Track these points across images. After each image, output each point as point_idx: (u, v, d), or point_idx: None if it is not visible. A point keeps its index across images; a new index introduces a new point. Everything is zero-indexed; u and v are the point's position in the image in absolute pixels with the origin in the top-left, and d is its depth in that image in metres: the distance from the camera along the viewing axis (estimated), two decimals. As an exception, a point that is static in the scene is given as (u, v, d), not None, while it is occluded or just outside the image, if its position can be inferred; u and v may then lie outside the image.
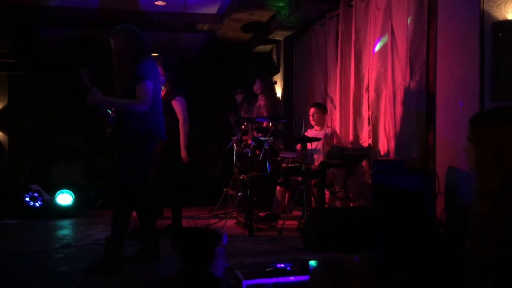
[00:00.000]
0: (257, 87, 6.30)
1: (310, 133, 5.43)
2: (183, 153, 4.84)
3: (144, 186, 3.65)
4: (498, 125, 1.68)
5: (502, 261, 1.51)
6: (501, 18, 3.43)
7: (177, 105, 4.76)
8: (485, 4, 3.52)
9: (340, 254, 3.55)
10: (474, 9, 3.61)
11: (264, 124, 5.70)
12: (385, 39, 4.74)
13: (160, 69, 4.70)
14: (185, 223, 5.35)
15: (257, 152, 5.23)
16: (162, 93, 4.70)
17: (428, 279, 3.23)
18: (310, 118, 5.47)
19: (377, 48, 4.87)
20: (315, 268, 1.56)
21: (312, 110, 5.47)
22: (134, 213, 3.84)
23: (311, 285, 1.51)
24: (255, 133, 5.57)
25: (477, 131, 1.74)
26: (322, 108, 5.47)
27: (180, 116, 4.78)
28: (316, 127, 5.44)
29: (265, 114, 5.89)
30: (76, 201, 6.24)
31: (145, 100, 3.46)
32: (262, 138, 5.03)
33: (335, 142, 5.25)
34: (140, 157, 3.53)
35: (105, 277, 3.30)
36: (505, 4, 3.43)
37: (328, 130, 5.37)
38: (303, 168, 4.74)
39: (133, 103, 3.48)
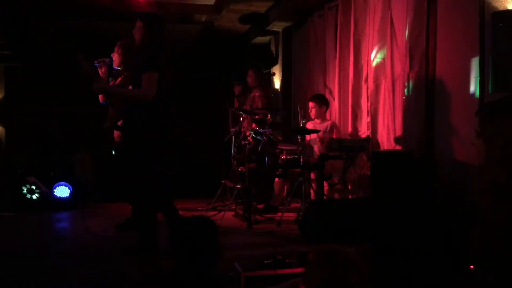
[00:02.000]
0: (251, 80, 6.11)
1: (310, 125, 5.41)
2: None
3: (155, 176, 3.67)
4: (508, 118, 1.66)
5: (505, 253, 1.50)
6: (501, 8, 3.40)
7: None
8: (485, -6, 3.48)
9: (338, 245, 3.54)
10: (474, -1, 3.58)
11: (257, 117, 5.63)
12: (383, 51, 4.70)
13: (119, 54, 4.59)
14: (183, 215, 5.33)
15: (251, 141, 5.18)
16: (119, 80, 4.56)
17: (427, 271, 3.22)
18: (309, 112, 5.44)
19: (374, 63, 4.84)
20: (310, 259, 1.53)
21: (310, 104, 5.44)
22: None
23: (306, 276, 1.50)
24: (254, 126, 5.53)
25: (486, 125, 1.71)
26: (319, 101, 5.43)
27: None
28: (316, 120, 5.42)
29: (260, 105, 5.83)
30: (74, 193, 6.22)
31: (149, 91, 3.41)
32: (260, 130, 4.99)
33: (334, 135, 5.23)
34: (149, 147, 3.51)
35: (102, 270, 3.28)
36: (506, -6, 3.40)
37: (328, 124, 5.34)
38: (301, 160, 4.72)
39: (136, 93, 3.44)
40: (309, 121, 5.49)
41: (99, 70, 4.60)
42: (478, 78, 3.55)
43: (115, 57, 4.58)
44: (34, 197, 6.09)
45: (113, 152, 4.82)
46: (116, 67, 4.63)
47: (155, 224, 3.67)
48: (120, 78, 4.57)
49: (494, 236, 1.54)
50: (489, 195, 1.64)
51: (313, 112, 5.38)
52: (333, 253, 1.48)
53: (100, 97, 4.69)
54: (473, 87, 3.61)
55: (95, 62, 4.56)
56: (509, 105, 1.73)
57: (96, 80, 3.49)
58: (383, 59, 4.72)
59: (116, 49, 4.59)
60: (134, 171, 3.54)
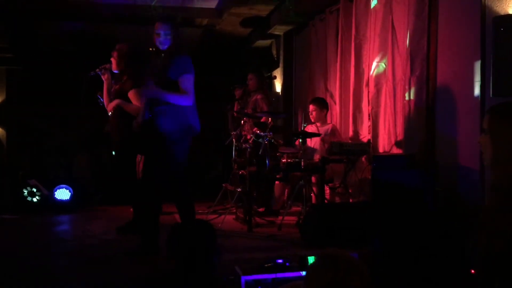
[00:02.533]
0: (252, 83, 6.07)
1: (310, 129, 5.41)
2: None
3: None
4: None
5: (510, 254, 1.49)
6: (502, 13, 3.40)
7: (131, 96, 4.55)
8: (486, -1, 3.49)
9: (340, 249, 3.54)
10: (475, 3, 3.58)
11: (263, 119, 5.66)
12: (384, 55, 4.70)
13: (114, 59, 4.62)
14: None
15: (251, 143, 5.17)
16: (119, 85, 4.60)
17: (428, 275, 3.21)
18: (310, 115, 5.44)
19: (375, 67, 4.84)
20: (312, 263, 1.53)
21: (310, 107, 5.43)
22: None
23: (307, 279, 1.49)
24: (255, 129, 5.53)
25: (494, 123, 1.70)
26: (320, 105, 5.43)
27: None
28: (316, 123, 5.42)
29: (265, 108, 5.82)
30: (75, 196, 6.22)
31: (190, 94, 3.54)
32: (261, 133, 4.99)
33: (335, 138, 5.23)
34: (181, 149, 3.62)
35: (102, 271, 3.28)
36: (507, -2, 3.40)
37: (328, 127, 5.34)
38: (302, 163, 4.72)
39: (180, 96, 3.54)
40: (309, 124, 5.49)
41: (102, 77, 4.63)
42: (479, 82, 3.55)
43: (112, 61, 4.62)
44: (35, 199, 6.09)
45: (113, 153, 4.82)
46: (115, 71, 4.66)
47: (158, 226, 3.67)
48: (120, 83, 4.60)
49: (499, 238, 1.53)
50: (494, 195, 1.63)
51: (314, 115, 5.38)
52: (334, 257, 1.47)
53: (109, 106, 4.67)
54: (474, 91, 3.61)
55: (97, 70, 4.61)
56: None
57: (147, 84, 3.58)
58: (384, 63, 4.73)
59: (113, 53, 4.64)
60: (168, 171, 3.61)
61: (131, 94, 4.49)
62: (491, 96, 3.40)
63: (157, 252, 3.60)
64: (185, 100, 3.56)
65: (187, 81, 3.55)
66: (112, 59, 4.64)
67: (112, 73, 4.68)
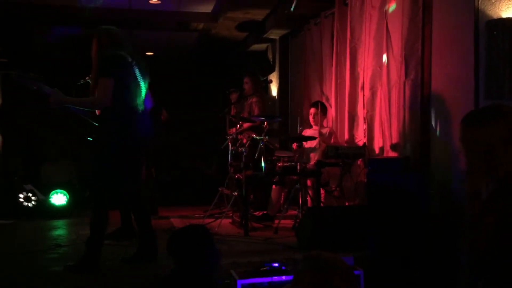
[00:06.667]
0: (248, 87, 5.98)
1: (307, 132, 5.42)
2: None
3: (130, 187, 3.59)
4: (487, 124, 1.66)
5: (493, 259, 1.51)
6: (495, 16, 3.44)
7: None
8: (479, 3, 3.52)
9: (329, 251, 3.55)
10: (469, 7, 3.61)
11: (258, 123, 5.65)
12: (379, 59, 4.73)
13: None
14: (180, 222, 5.33)
15: (246, 143, 5.14)
16: None
17: (423, 278, 3.23)
18: (310, 117, 5.43)
19: (370, 70, 4.85)
20: (298, 265, 1.55)
21: (312, 110, 5.42)
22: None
23: (293, 281, 1.51)
24: (244, 133, 5.52)
25: (467, 132, 1.71)
26: (324, 109, 5.46)
27: None
28: (314, 127, 5.43)
29: (256, 111, 5.81)
30: (70, 201, 6.21)
31: (101, 98, 3.28)
32: (257, 137, 4.99)
33: (332, 142, 5.24)
34: (113, 158, 3.38)
35: (98, 277, 3.27)
36: (500, 2, 3.43)
37: (326, 130, 5.36)
38: (298, 167, 4.73)
39: (90, 101, 3.39)
40: (305, 128, 5.49)
41: None
42: (473, 85, 3.58)
43: None
44: (31, 204, 6.07)
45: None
46: None
47: (152, 231, 3.67)
48: None
49: (480, 243, 1.55)
50: (473, 203, 1.65)
51: (316, 119, 5.38)
52: (316, 259, 1.49)
53: None
54: (468, 94, 3.63)
55: (87, 78, 4.56)
56: (489, 113, 1.74)
57: (51, 94, 3.38)
58: (379, 66, 4.75)
59: None
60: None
61: None
62: (483, 99, 3.43)
63: (155, 257, 3.58)
64: (93, 105, 3.41)
65: (99, 85, 3.31)
66: None
67: None
